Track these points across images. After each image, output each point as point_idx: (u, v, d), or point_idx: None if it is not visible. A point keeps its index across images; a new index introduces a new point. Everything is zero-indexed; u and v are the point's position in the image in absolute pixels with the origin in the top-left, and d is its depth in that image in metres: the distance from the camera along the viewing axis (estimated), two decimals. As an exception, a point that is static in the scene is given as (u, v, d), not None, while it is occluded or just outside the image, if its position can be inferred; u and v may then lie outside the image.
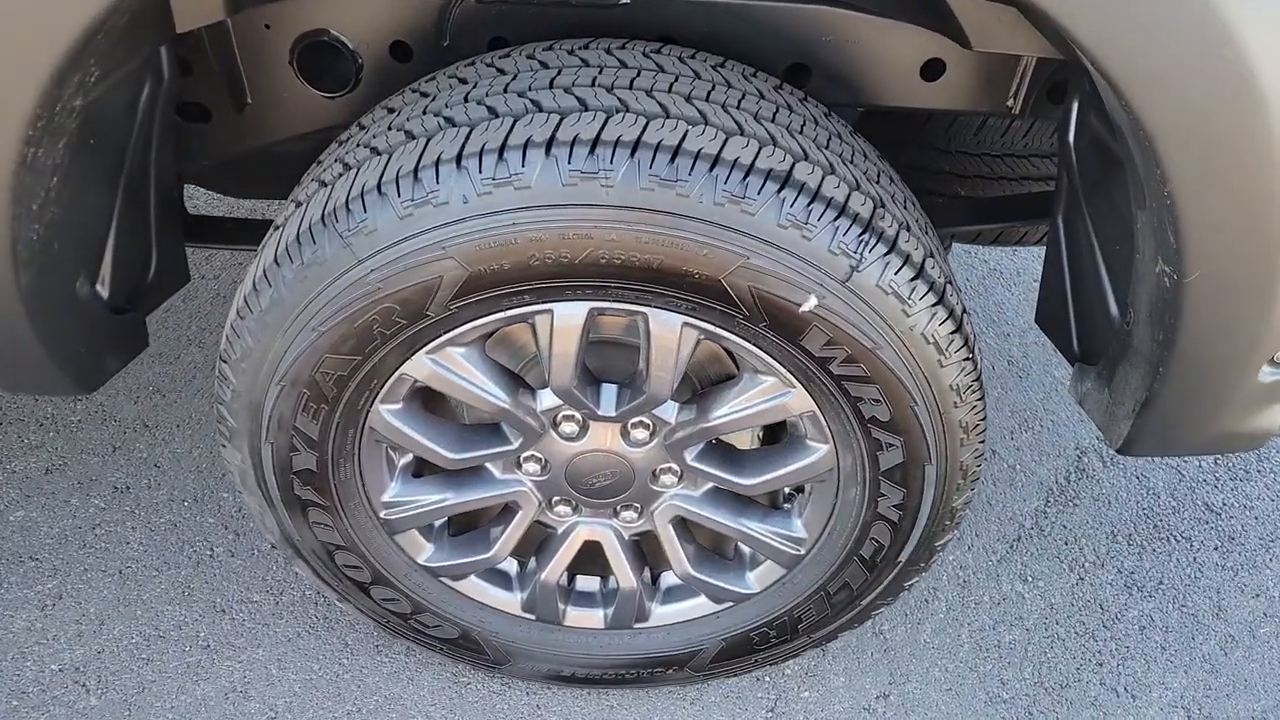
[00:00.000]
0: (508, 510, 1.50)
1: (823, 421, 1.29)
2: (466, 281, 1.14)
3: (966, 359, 1.23)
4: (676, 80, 1.19)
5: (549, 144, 1.09)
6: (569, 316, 1.21)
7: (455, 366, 1.27)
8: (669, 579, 1.59)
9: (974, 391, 1.26)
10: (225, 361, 1.28)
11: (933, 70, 1.37)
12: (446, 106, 1.18)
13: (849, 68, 1.36)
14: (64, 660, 1.72)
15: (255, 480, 1.38)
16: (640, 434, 1.35)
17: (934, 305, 1.18)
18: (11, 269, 1.10)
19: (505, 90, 1.18)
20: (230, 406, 1.31)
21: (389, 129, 1.20)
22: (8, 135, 1.01)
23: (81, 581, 1.84)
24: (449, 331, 1.23)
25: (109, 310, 1.36)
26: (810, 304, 1.14)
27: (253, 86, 1.40)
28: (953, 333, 1.20)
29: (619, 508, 1.47)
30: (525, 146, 1.09)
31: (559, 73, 1.19)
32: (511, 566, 1.58)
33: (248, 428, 1.31)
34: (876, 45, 1.34)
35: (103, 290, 1.34)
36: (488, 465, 1.43)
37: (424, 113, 1.19)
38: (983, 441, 1.31)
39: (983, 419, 1.29)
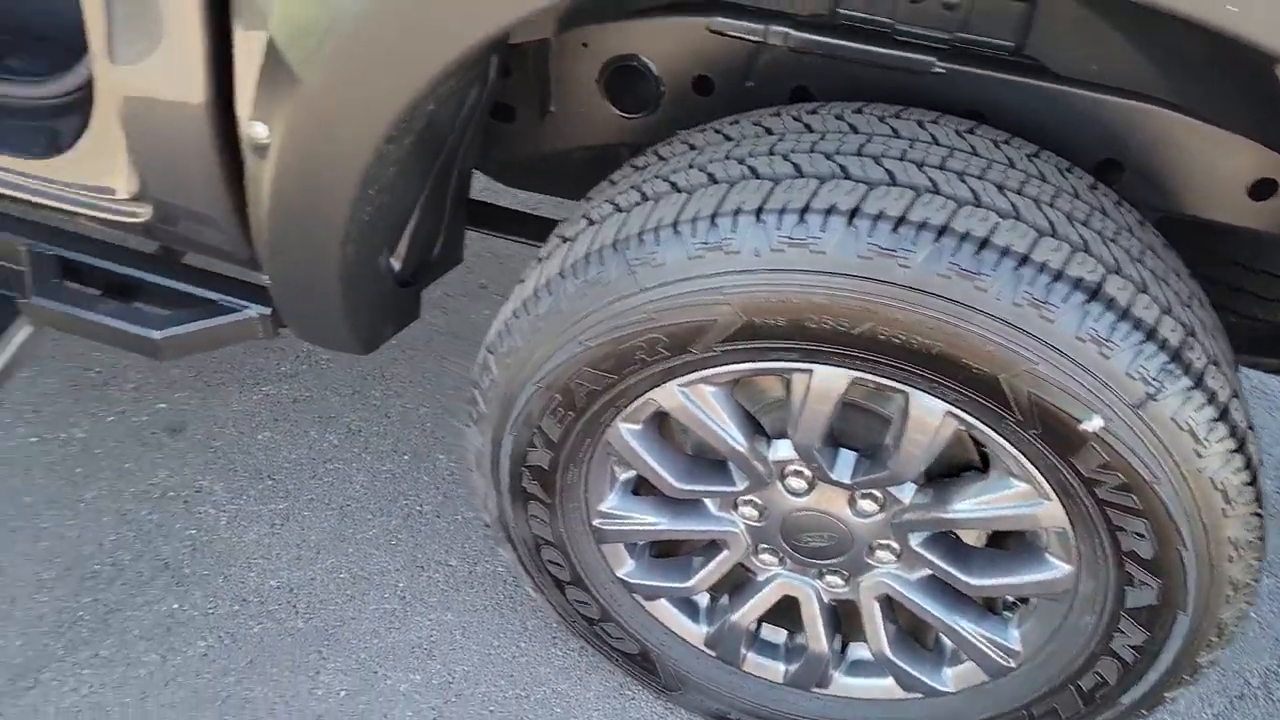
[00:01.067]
0: (713, 545, 1.51)
1: (1072, 541, 1.22)
2: (739, 329, 1.16)
3: (1254, 514, 1.13)
4: (989, 167, 1.15)
5: (853, 213, 1.08)
6: (829, 379, 1.20)
7: (703, 403, 1.29)
8: (858, 651, 1.55)
9: (1254, 549, 1.15)
10: (491, 352, 1.36)
11: (1262, 189, 1.26)
12: (751, 155, 1.19)
13: (1169, 173, 1.27)
14: (282, 579, 1.88)
15: (489, 465, 1.46)
16: (868, 505, 1.32)
17: (1232, 451, 1.09)
18: (341, 244, 1.22)
19: (811, 150, 1.17)
20: (486, 394, 1.39)
21: (689, 167, 1.22)
22: (373, 133, 1.12)
23: (307, 509, 2.01)
24: (706, 370, 1.24)
25: (396, 283, 1.47)
26: (1095, 424, 1.07)
27: (558, 96, 1.48)
28: (1246, 484, 1.10)
29: (826, 570, 1.45)
30: (828, 212, 1.09)
31: (869, 140, 1.18)
32: (703, 599, 1.60)
33: (496, 417, 1.39)
34: (1204, 153, 1.25)
35: (396, 264, 1.46)
36: (706, 500, 1.45)
37: (727, 157, 1.21)
38: (1249, 602, 1.20)
39: (1255, 580, 1.18)
